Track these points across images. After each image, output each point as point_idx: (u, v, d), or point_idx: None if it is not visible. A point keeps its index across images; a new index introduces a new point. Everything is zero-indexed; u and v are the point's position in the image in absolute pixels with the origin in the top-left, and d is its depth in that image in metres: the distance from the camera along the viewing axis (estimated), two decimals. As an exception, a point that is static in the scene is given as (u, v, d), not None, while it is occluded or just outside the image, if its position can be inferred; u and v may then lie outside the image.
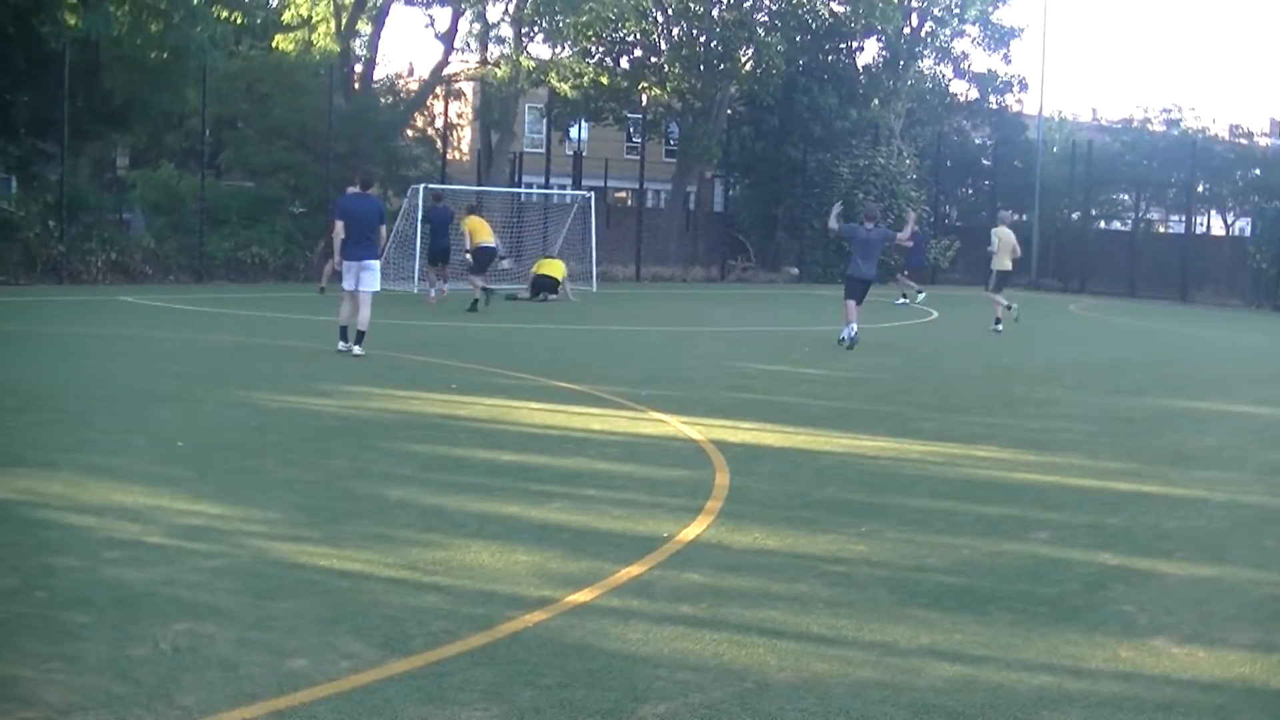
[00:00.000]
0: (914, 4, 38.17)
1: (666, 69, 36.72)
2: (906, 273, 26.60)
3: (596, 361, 14.20)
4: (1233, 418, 11.52)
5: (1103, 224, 40.62)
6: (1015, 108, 42.60)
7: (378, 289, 13.98)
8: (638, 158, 35.23)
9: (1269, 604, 5.74)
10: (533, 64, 31.30)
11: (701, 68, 36.18)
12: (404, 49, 50.34)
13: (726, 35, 35.00)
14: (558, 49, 33.05)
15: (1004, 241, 20.16)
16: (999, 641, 4.92)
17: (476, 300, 20.22)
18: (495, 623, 4.89)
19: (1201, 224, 40.49)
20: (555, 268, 23.78)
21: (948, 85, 40.87)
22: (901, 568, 5.93)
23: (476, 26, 31.87)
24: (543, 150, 37.86)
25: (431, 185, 25.01)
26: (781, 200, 36.78)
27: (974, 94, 41.29)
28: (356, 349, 13.43)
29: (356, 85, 29.90)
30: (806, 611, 5.21)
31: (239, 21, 26.49)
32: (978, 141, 42.97)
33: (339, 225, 13.81)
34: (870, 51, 39.59)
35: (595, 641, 4.73)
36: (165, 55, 23.45)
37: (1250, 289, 31.70)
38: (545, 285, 23.31)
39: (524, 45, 31.38)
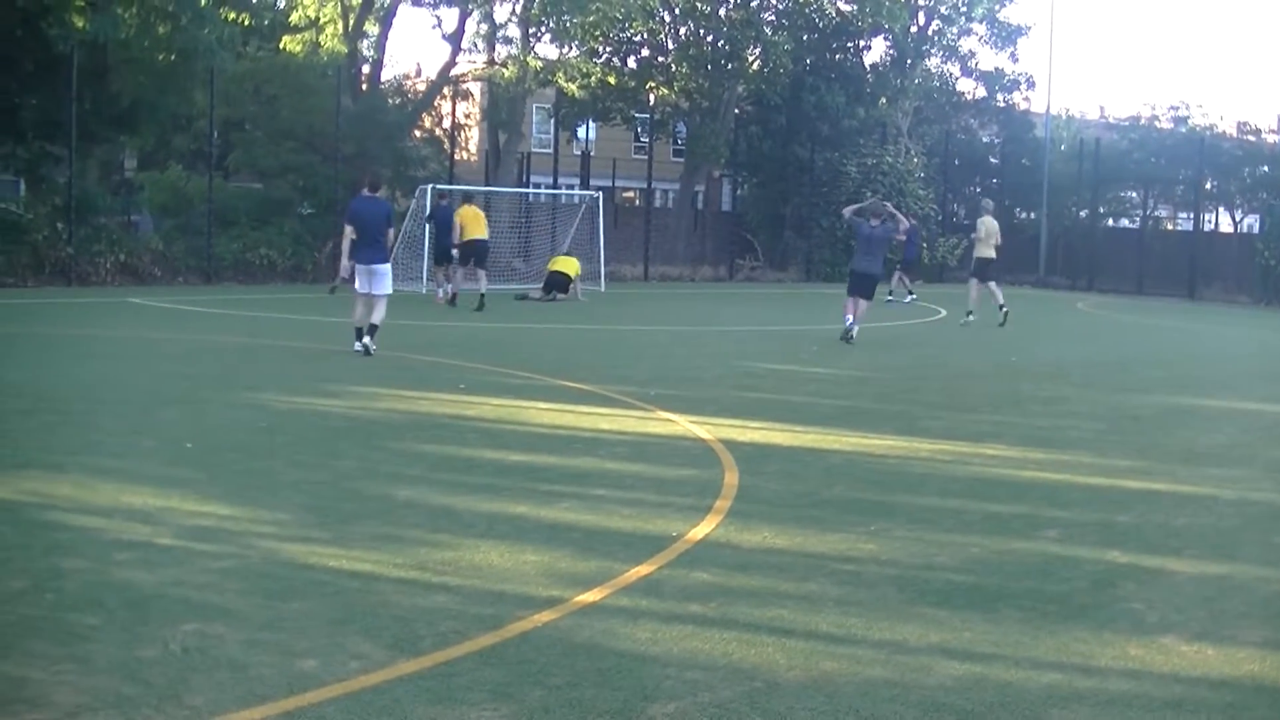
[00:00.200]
0: (921, 2, 38.06)
1: (674, 69, 36.69)
2: (900, 271, 26.46)
3: (604, 361, 14.20)
4: (1242, 415, 11.49)
5: (1110, 222, 40.47)
6: (1023, 106, 42.48)
7: (390, 291, 14.03)
8: (645, 157, 35.27)
9: (1278, 601, 5.73)
10: (540, 64, 31.28)
11: (709, 67, 36.14)
12: (411, 50, 50.17)
13: (734, 34, 34.98)
14: (565, 49, 33.03)
15: (989, 230, 21.11)
16: (1008, 639, 4.91)
17: (483, 297, 20.24)
18: (504, 623, 4.89)
19: (1210, 221, 40.34)
20: (570, 265, 23.76)
21: (955, 83, 40.77)
22: (910, 566, 5.93)
23: (484, 27, 31.85)
24: (551, 150, 37.93)
25: (439, 186, 25.03)
26: (789, 199, 36.71)
27: (981, 92, 41.18)
28: (368, 340, 13.44)
29: (364, 86, 29.90)
30: (815, 610, 5.21)
31: (246, 23, 26.45)
32: (985, 140, 42.83)
33: (349, 229, 13.85)
34: (877, 50, 39.61)
35: (604, 641, 4.74)
36: (173, 57, 23.48)
37: (1259, 286, 31.58)
38: (557, 283, 23.29)
39: (531, 45, 31.35)
